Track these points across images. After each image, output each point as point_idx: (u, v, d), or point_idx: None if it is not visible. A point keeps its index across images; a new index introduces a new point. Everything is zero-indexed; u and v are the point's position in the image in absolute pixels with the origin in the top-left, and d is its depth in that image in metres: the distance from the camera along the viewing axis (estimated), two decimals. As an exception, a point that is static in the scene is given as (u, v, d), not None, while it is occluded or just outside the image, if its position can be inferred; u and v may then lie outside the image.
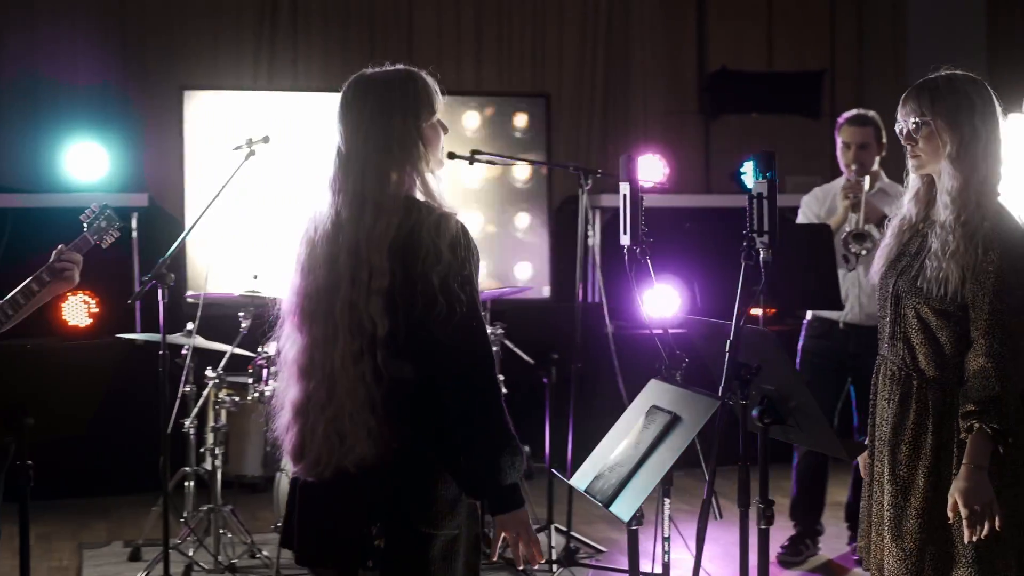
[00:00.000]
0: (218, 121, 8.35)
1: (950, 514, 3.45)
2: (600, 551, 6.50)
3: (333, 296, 3.17)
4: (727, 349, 3.39)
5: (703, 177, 10.20)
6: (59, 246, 4.56)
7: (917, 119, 3.63)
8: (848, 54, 10.58)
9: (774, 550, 6.27)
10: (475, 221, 8.72)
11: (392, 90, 3.24)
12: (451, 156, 6.15)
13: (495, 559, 3.18)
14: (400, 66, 3.32)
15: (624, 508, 3.41)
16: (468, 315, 3.09)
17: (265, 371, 6.07)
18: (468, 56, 9.74)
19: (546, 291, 8.87)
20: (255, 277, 6.21)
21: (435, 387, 3.11)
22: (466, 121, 8.86)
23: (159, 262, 5.65)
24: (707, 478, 3.42)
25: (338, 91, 3.32)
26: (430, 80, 3.31)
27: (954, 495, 3.43)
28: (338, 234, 3.19)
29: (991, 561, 3.48)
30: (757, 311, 7.74)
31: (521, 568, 3.35)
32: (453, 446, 3.11)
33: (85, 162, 8.05)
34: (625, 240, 3.75)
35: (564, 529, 6.39)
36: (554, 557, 6.23)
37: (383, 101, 3.22)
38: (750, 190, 3.44)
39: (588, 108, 9.86)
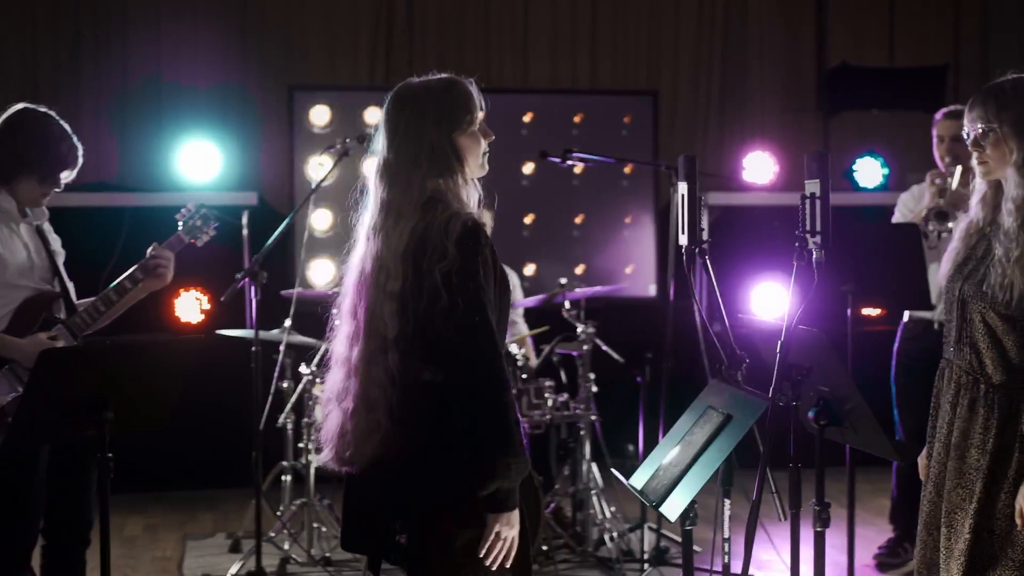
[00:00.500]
0: (330, 120, 8.50)
1: (1017, 521, 3.42)
2: (695, 552, 6.44)
3: (358, 297, 3.28)
4: (778, 350, 3.36)
5: (822, 175, 10.02)
6: (153, 244, 4.69)
7: (983, 125, 3.59)
8: (972, 48, 10.32)
9: (863, 555, 6.19)
10: (579, 219, 8.73)
11: (427, 101, 3.31)
12: (543, 155, 6.21)
13: (481, 554, 3.14)
14: (443, 75, 3.38)
15: (672, 508, 3.39)
16: (470, 312, 3.11)
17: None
18: (582, 52, 9.73)
19: (652, 290, 8.83)
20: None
21: (440, 387, 3.16)
22: (572, 118, 8.87)
23: (252, 260, 5.78)
24: (757, 480, 3.38)
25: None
26: (472, 89, 3.36)
27: (1019, 500, 3.40)
28: (368, 240, 3.29)
29: None
30: (870, 311, 7.67)
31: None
32: (458, 446, 3.15)
33: (198, 162, 8.25)
34: (683, 240, 3.72)
35: (655, 528, 6.37)
36: (645, 556, 6.22)
37: (417, 112, 3.30)
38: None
39: (700, 105, 9.78)
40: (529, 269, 8.73)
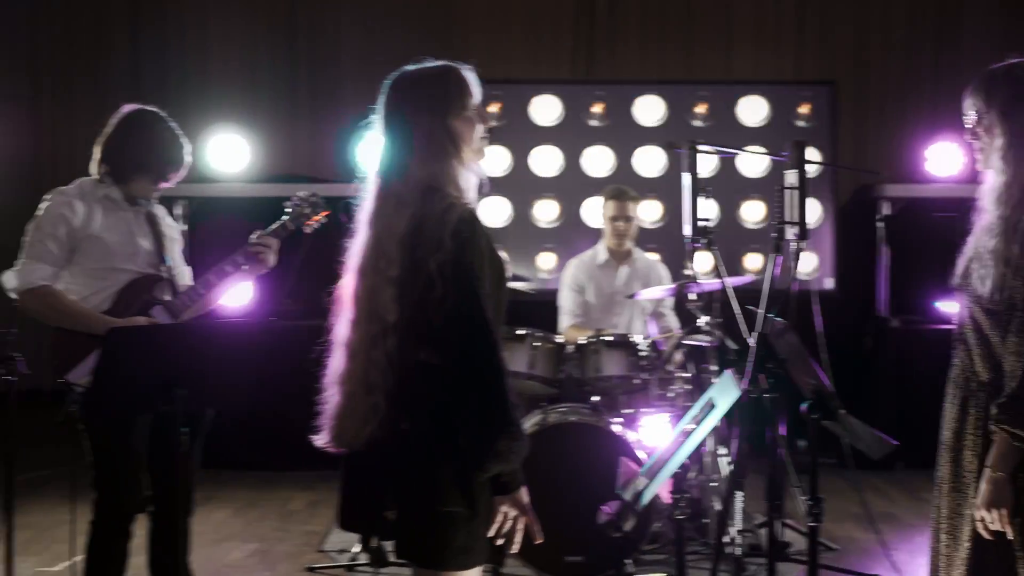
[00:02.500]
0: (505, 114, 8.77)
1: (981, 531, 3.33)
2: (832, 549, 6.37)
3: (359, 282, 3.37)
4: (752, 342, 3.37)
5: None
6: (256, 231, 4.92)
7: (975, 112, 3.47)
8: None
9: None
10: (757, 210, 8.66)
11: (420, 88, 3.37)
12: (670, 146, 6.23)
13: (491, 533, 3.23)
14: (439, 62, 3.44)
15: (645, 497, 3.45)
16: (463, 301, 3.18)
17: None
18: (787, 43, 9.68)
19: (829, 283, 8.69)
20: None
21: (438, 371, 3.24)
22: (747, 109, 8.84)
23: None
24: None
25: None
26: (466, 74, 3.41)
27: (978, 510, 3.31)
28: (369, 226, 3.38)
29: None
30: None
31: (508, 549, 3.38)
32: (454, 428, 3.22)
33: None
34: (687, 231, 3.74)
35: (789, 523, 6.31)
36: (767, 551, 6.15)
37: (410, 99, 3.36)
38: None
39: (880, 97, 9.58)
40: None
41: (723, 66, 9.72)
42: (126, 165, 4.78)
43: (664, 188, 8.60)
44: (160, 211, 4.96)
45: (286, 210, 5.03)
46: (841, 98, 9.07)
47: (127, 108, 4.87)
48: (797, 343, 3.39)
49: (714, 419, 3.35)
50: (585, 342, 6.27)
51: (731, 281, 6.58)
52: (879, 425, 3.61)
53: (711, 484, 6.29)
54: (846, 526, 6.79)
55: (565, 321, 7.07)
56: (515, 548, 3.29)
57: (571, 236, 8.61)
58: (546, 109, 8.89)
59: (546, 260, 8.84)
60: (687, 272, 6.45)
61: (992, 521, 3.27)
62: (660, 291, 6.46)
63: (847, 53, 9.72)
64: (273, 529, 6.87)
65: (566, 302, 7.10)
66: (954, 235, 3.52)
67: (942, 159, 8.49)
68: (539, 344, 6.21)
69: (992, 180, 3.42)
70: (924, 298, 8.25)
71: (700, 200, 3.64)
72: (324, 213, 5.06)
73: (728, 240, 8.62)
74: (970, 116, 3.48)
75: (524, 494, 3.26)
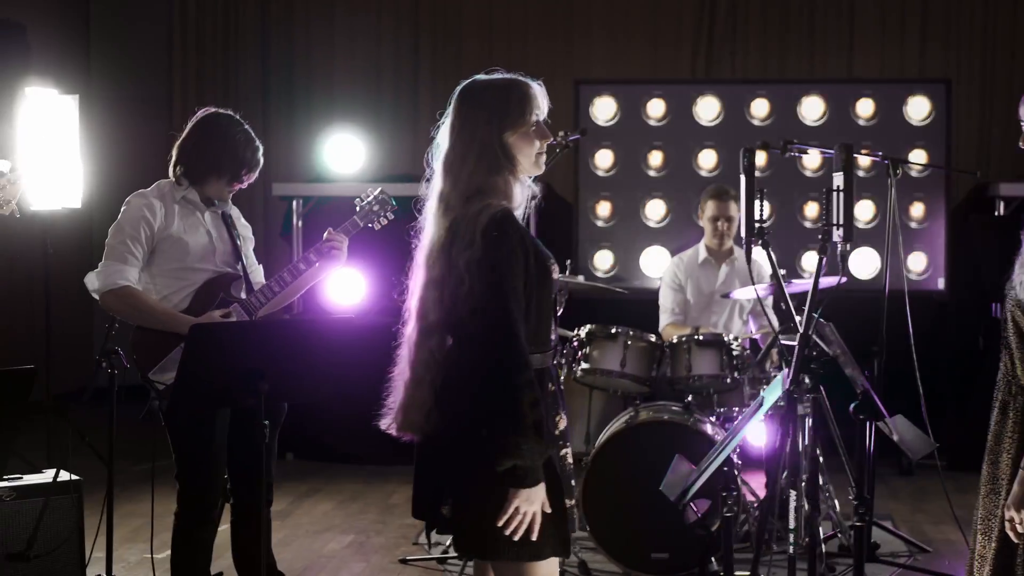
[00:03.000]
0: (615, 112, 8.84)
1: (1008, 532, 3.31)
2: (924, 550, 6.31)
3: (414, 281, 3.52)
4: (797, 341, 3.39)
5: None
6: (328, 228, 5.07)
7: None
8: None
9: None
10: (866, 210, 8.57)
11: (484, 98, 3.48)
12: (765, 146, 6.20)
13: (500, 523, 3.27)
14: (508, 75, 3.53)
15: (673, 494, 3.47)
16: (486, 297, 3.28)
17: (578, 351, 6.35)
18: (911, 41, 9.57)
19: (941, 283, 8.56)
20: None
21: (465, 365, 3.36)
22: (859, 108, 8.75)
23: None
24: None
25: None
26: (534, 91, 3.51)
27: (1009, 511, 3.29)
28: (425, 228, 3.52)
29: None
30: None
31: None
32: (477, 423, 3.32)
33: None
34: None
35: (884, 526, 6.28)
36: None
37: (472, 110, 3.47)
38: None
39: (995, 94, 9.41)
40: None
41: (843, 65, 9.65)
42: (200, 167, 4.95)
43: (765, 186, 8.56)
44: (235, 212, 5.13)
45: (356, 208, 5.16)
46: (956, 96, 8.92)
47: (202, 112, 5.04)
48: (842, 343, 3.41)
49: (758, 417, 3.38)
50: (677, 341, 6.30)
51: (826, 281, 6.58)
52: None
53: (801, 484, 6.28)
54: (942, 528, 6.72)
55: (664, 319, 7.11)
56: (532, 538, 3.30)
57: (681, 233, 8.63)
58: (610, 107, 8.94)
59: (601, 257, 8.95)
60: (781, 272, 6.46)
61: (1021, 522, 3.24)
62: (751, 291, 6.45)
63: (965, 52, 9.58)
64: (372, 522, 7.02)
65: (666, 300, 7.13)
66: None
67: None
68: (632, 342, 6.26)
69: None
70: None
71: (757, 200, 3.66)
72: (393, 209, 5.17)
73: (787, 239, 8.61)
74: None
75: (539, 491, 3.30)
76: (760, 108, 8.80)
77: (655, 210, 8.86)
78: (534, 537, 3.33)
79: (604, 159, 8.88)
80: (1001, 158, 9.28)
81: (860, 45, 9.73)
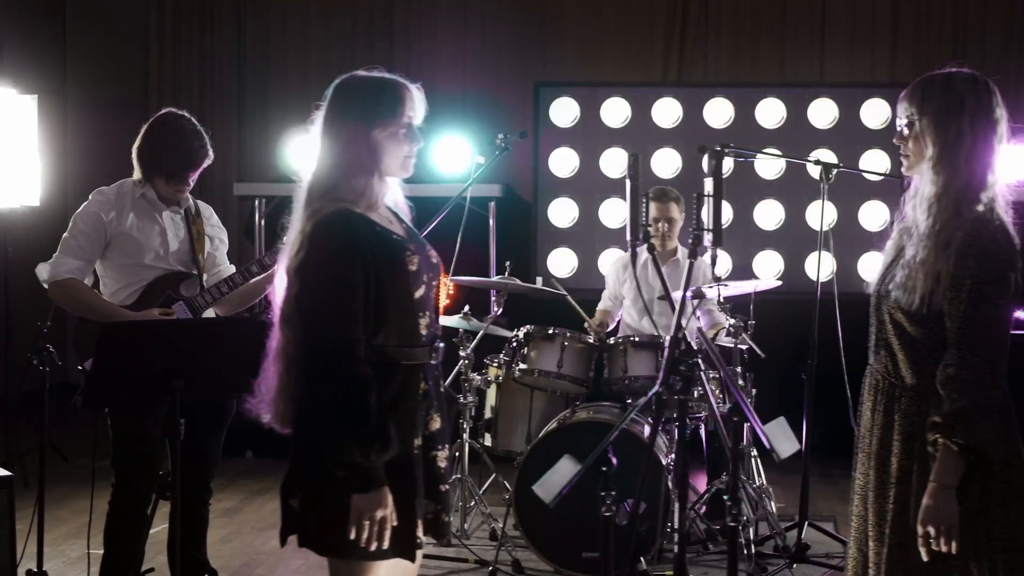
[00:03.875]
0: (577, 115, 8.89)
1: (920, 548, 3.29)
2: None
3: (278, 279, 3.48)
4: (667, 344, 3.44)
5: None
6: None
7: (907, 117, 3.45)
8: None
9: None
10: (879, 212, 8.62)
11: (355, 96, 3.43)
12: (701, 150, 6.24)
13: (352, 536, 3.24)
14: (385, 74, 3.50)
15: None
16: (307, 298, 3.28)
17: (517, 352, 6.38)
18: (882, 45, 9.60)
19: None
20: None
21: (297, 363, 3.34)
22: (871, 111, 8.81)
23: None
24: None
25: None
26: (411, 93, 3.48)
27: (920, 524, 3.27)
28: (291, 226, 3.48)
29: None
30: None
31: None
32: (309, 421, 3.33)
33: (450, 156, 8.78)
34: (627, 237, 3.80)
35: (821, 527, 6.33)
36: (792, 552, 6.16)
37: (342, 106, 3.43)
38: None
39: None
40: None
41: (814, 70, 9.67)
42: (146, 168, 5.05)
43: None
44: (206, 211, 5.21)
45: None
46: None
47: (158, 113, 5.13)
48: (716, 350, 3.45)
49: (625, 420, 3.44)
50: (614, 342, 6.34)
51: (752, 285, 6.59)
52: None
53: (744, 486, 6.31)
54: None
55: (600, 305, 7.19)
56: (373, 547, 3.26)
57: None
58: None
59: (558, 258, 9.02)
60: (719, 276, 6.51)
61: (934, 536, 3.24)
62: (679, 293, 6.49)
63: (944, 55, 9.57)
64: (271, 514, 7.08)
65: (607, 287, 7.18)
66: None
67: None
68: (569, 343, 6.29)
69: (921, 189, 3.41)
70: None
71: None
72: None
73: (741, 242, 8.66)
74: (901, 121, 3.47)
75: (379, 495, 3.24)
76: (722, 111, 8.84)
77: (613, 212, 8.88)
78: (385, 544, 3.28)
79: (563, 160, 8.92)
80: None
81: (831, 50, 9.71)
